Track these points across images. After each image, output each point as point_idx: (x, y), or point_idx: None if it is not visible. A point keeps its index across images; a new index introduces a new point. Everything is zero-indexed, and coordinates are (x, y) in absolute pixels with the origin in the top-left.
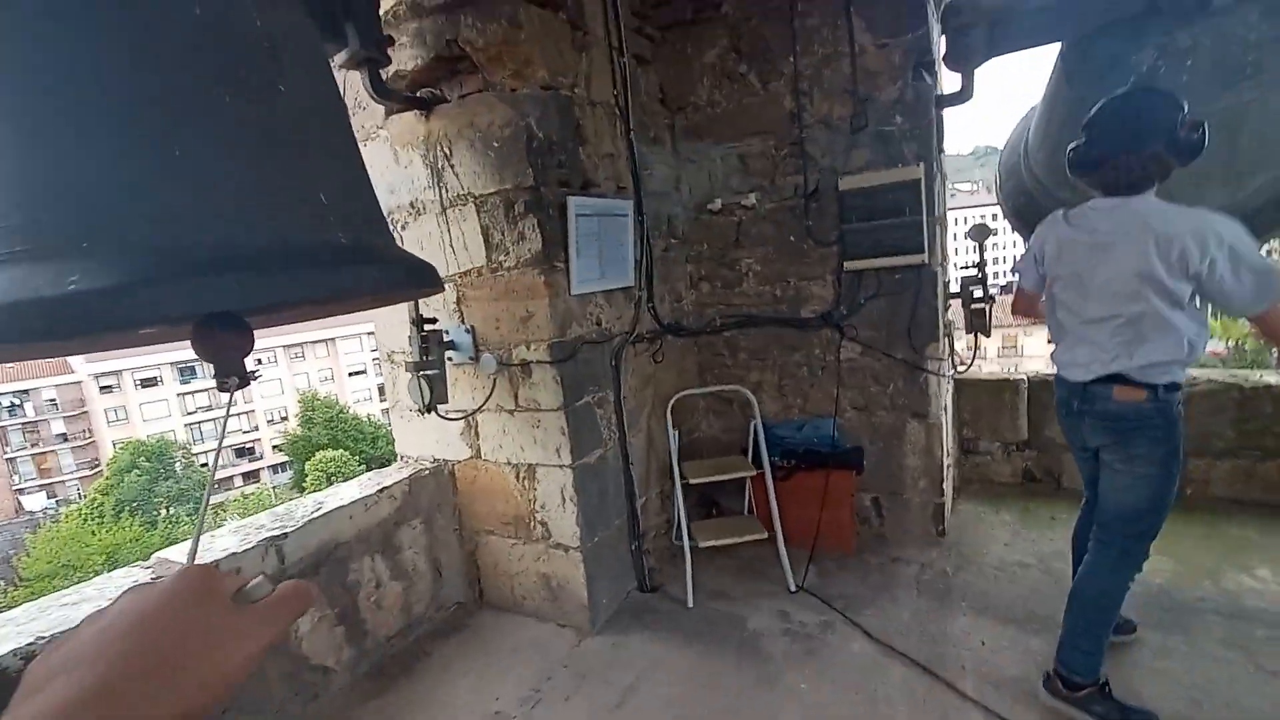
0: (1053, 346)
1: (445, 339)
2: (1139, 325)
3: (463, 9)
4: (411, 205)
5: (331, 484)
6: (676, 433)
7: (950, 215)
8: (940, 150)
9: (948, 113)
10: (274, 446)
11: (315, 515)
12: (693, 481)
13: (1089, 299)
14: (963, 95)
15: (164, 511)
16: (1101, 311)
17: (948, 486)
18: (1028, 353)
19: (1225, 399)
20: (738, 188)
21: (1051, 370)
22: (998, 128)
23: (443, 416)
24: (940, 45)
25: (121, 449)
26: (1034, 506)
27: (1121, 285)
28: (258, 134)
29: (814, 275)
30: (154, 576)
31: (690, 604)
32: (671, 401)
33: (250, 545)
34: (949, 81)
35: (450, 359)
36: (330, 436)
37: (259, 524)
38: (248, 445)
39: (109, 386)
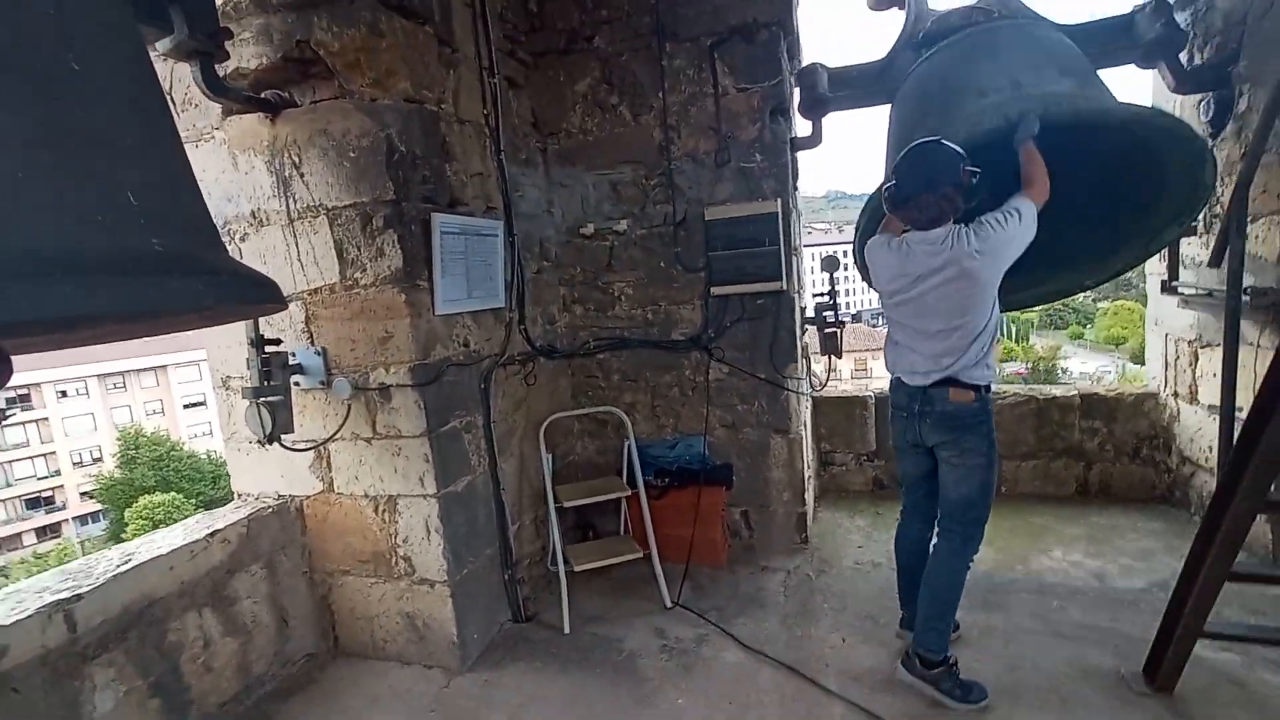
0: (892, 354)
1: (291, 362)
2: (964, 336)
3: (315, 9)
4: (253, 215)
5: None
6: (550, 456)
7: (807, 251)
8: (795, 188)
9: (801, 155)
10: (83, 494)
11: (122, 569)
12: (567, 505)
13: (923, 316)
14: (813, 140)
15: None
16: (935, 325)
17: (809, 497)
18: (877, 374)
19: (1026, 409)
20: (609, 213)
21: None
22: (847, 175)
23: (288, 448)
24: (795, 95)
25: None
26: (883, 510)
27: (946, 302)
28: (37, 118)
29: (683, 299)
30: None
31: (567, 630)
32: (545, 424)
33: (25, 614)
34: (802, 127)
35: (297, 384)
36: (159, 478)
37: (41, 586)
38: (45, 494)
39: None
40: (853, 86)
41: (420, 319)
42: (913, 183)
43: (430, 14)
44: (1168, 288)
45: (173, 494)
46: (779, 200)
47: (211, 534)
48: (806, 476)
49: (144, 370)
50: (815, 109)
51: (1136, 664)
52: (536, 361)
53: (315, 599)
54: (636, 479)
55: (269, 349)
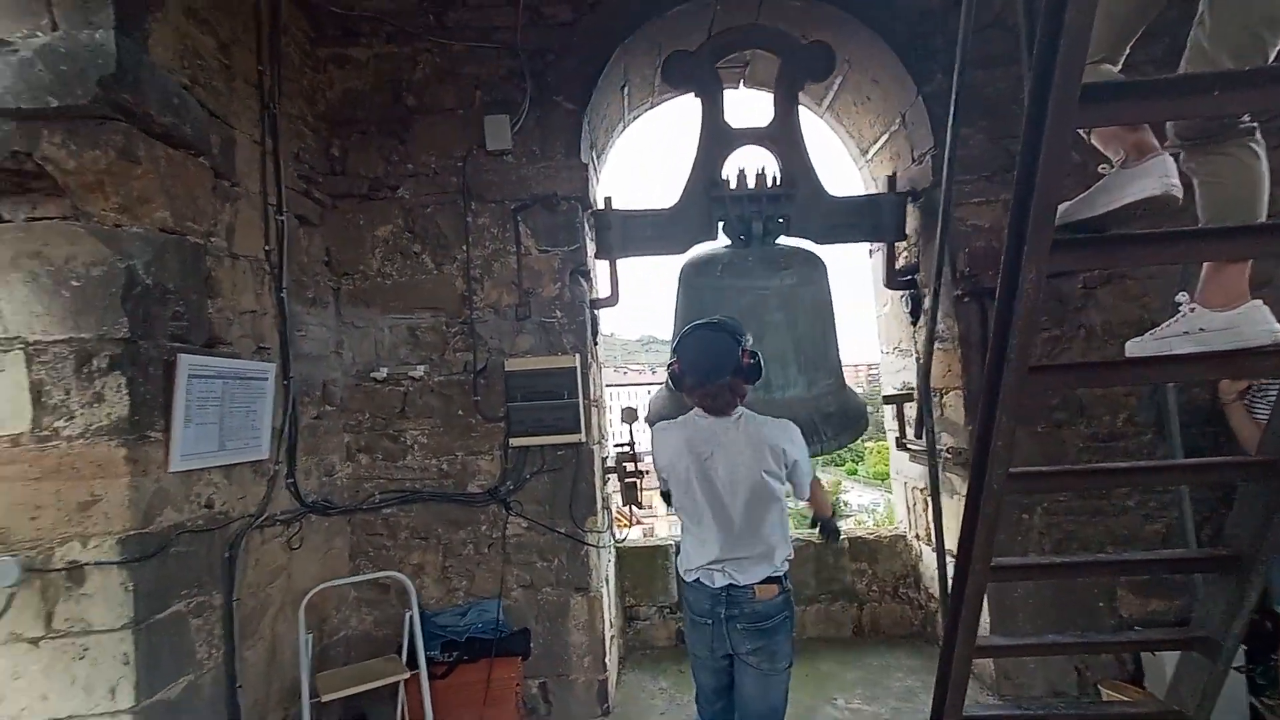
0: (686, 551)
1: None
2: (764, 523)
3: (47, 123)
4: None
5: None
6: (310, 637)
7: (622, 390)
8: (595, 343)
9: (604, 312)
10: None
11: None
12: (327, 699)
13: (717, 505)
14: (611, 300)
15: None
16: (731, 515)
17: (611, 661)
18: None
19: (808, 554)
20: (405, 358)
21: None
22: (659, 321)
23: None
24: (592, 250)
25: None
26: (685, 667)
27: (744, 491)
28: None
29: (482, 450)
30: None
31: None
32: (309, 596)
33: None
34: (601, 287)
35: None
36: None
37: None
38: None
39: None
40: (637, 230)
41: (145, 477)
42: (695, 373)
43: (207, 147)
44: (900, 444)
45: None
46: (578, 355)
47: None
48: (609, 638)
49: None
50: (608, 251)
51: None
52: (305, 520)
53: None
54: (418, 657)
55: None
